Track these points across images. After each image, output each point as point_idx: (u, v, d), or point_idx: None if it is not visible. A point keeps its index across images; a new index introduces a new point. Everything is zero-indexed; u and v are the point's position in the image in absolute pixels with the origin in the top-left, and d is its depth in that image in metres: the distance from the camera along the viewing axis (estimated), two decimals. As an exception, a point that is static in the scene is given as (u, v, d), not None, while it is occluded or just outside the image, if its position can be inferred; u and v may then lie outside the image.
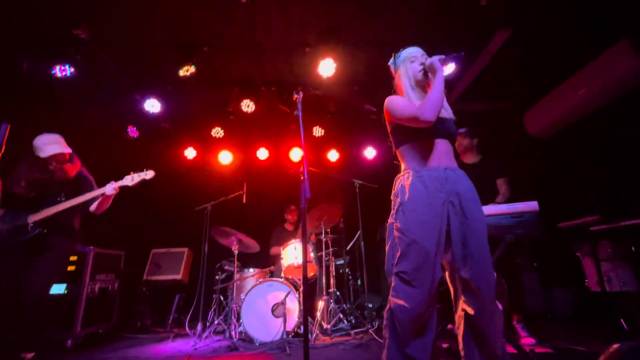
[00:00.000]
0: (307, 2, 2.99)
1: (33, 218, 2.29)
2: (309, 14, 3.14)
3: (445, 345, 2.84)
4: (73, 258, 3.30)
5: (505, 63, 3.59)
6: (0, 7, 2.82)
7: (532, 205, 2.27)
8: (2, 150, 1.63)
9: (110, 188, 2.42)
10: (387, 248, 1.57)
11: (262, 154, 5.31)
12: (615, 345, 0.91)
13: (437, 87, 1.50)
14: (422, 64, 1.62)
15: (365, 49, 3.57)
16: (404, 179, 1.56)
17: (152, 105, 4.06)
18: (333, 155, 5.45)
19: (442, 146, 1.57)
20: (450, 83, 4.00)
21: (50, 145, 2.38)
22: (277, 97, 4.12)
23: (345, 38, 3.40)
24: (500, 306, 1.46)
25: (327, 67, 3.48)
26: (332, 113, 4.78)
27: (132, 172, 2.52)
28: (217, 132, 4.90)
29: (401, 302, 1.42)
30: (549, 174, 4.29)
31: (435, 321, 1.49)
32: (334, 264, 3.92)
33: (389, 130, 1.72)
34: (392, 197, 1.62)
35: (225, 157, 5.31)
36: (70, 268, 3.26)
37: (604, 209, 3.33)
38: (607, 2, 2.86)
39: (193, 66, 3.36)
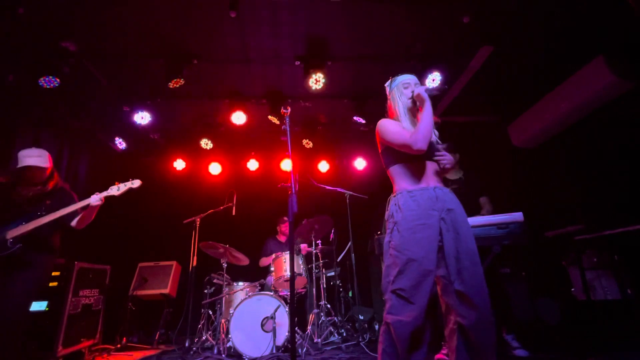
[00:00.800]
0: (296, 16, 3.05)
1: (12, 233, 2.22)
2: (299, 28, 3.20)
3: (438, 356, 2.84)
4: (56, 273, 3.20)
5: (489, 77, 3.70)
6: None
7: (517, 216, 2.32)
8: None
9: (96, 199, 2.36)
10: (383, 267, 1.61)
11: (252, 165, 5.30)
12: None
13: (426, 117, 1.59)
14: (412, 91, 1.72)
15: (354, 63, 3.64)
16: (397, 199, 1.62)
17: (141, 117, 4.03)
18: (323, 166, 5.48)
19: (430, 167, 1.66)
20: (435, 97, 4.10)
21: (30, 157, 2.33)
22: (267, 109, 4.14)
23: (334, 52, 3.47)
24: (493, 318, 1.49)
25: (316, 80, 3.53)
26: (322, 124, 4.83)
27: (117, 183, 2.47)
28: (207, 143, 4.88)
29: (400, 318, 1.45)
30: (534, 184, 4.39)
31: (429, 334, 1.51)
32: (324, 276, 3.90)
33: (379, 151, 1.79)
34: (386, 218, 1.67)
35: (215, 169, 5.28)
36: (53, 284, 3.15)
37: (588, 218, 3.41)
38: (584, 21, 3.00)
39: (182, 78, 3.36)
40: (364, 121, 4.25)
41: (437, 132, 1.84)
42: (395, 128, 1.66)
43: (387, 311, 1.51)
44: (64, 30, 3.04)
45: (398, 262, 1.51)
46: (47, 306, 3.06)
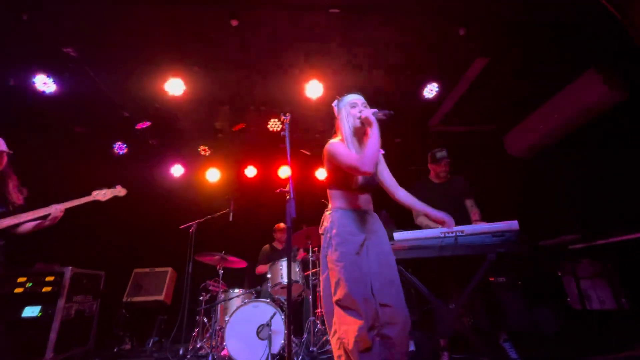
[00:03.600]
0: (296, 26, 3.11)
1: None
2: (298, 37, 3.26)
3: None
4: (49, 278, 3.17)
5: (485, 88, 3.77)
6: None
7: (513, 225, 2.34)
8: None
9: (57, 209, 2.28)
10: (322, 278, 1.74)
11: (250, 172, 5.32)
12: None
13: (373, 140, 1.65)
14: (361, 111, 1.78)
15: (352, 72, 3.70)
16: (332, 217, 1.74)
17: (140, 122, 4.05)
18: (322, 174, 5.51)
19: (364, 195, 1.81)
20: (432, 107, 4.17)
21: None
22: (265, 116, 4.18)
23: (332, 61, 3.53)
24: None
25: (314, 89, 3.58)
26: (320, 132, 4.87)
27: (103, 188, 2.50)
28: (205, 150, 4.90)
29: (345, 327, 1.53)
30: (529, 193, 4.43)
31: (379, 348, 1.54)
32: (321, 283, 3.87)
33: (325, 170, 1.86)
34: (321, 232, 1.78)
35: (212, 175, 5.28)
36: (46, 289, 3.12)
37: (583, 228, 3.44)
38: (577, 34, 3.08)
39: (183, 85, 3.41)
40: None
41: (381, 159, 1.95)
42: (344, 150, 1.72)
43: (336, 322, 1.59)
44: (65, 36, 3.08)
45: (335, 275, 1.60)
46: (40, 312, 3.03)
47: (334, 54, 3.45)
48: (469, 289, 2.37)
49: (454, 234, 2.38)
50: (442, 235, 2.39)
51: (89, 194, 2.47)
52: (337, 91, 3.82)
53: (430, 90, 3.59)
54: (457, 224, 2.75)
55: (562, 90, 3.64)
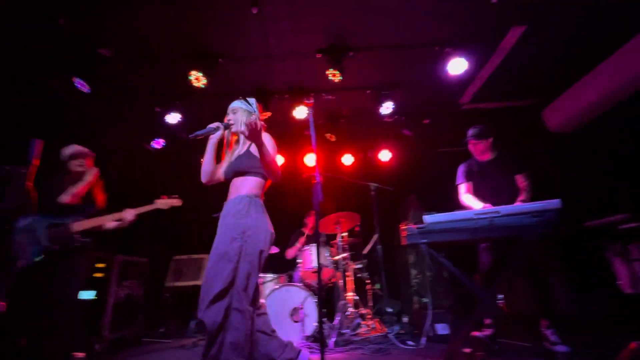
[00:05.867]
0: (316, 9, 3.04)
1: (77, 227, 2.43)
2: (319, 21, 3.19)
3: (467, 350, 2.77)
4: (100, 265, 3.46)
5: (521, 60, 3.50)
6: (23, 25, 3.02)
7: (554, 204, 2.19)
8: (38, 164, 1.76)
9: (130, 214, 2.71)
10: None
11: (278, 160, 5.38)
12: (634, 344, 0.88)
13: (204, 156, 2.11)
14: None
15: (376, 52, 3.57)
16: None
17: (172, 117, 4.21)
18: (348, 159, 5.46)
19: (231, 185, 2.14)
20: (464, 82, 3.93)
21: (73, 147, 2.71)
22: (290, 104, 4.19)
23: (356, 42, 3.42)
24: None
25: (333, 74, 3.50)
26: (345, 117, 4.81)
27: (163, 197, 2.86)
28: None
29: None
30: (572, 171, 4.12)
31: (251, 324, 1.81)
32: (352, 268, 3.91)
33: None
34: None
35: (241, 165, 5.41)
36: (98, 275, 3.41)
37: (635, 206, 3.16)
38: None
39: (202, 75, 3.50)
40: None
41: (240, 147, 2.31)
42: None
43: None
44: (100, 37, 3.23)
45: None
46: (95, 295, 3.32)
47: (357, 33, 3.34)
48: (507, 273, 2.28)
49: (488, 216, 2.28)
50: (476, 217, 2.30)
51: (153, 202, 2.83)
52: (362, 73, 3.77)
53: (460, 65, 3.38)
54: (508, 201, 2.65)
55: (608, 58, 3.29)
